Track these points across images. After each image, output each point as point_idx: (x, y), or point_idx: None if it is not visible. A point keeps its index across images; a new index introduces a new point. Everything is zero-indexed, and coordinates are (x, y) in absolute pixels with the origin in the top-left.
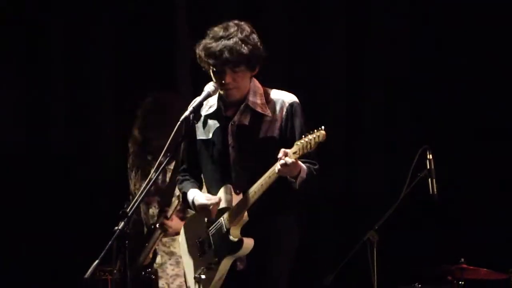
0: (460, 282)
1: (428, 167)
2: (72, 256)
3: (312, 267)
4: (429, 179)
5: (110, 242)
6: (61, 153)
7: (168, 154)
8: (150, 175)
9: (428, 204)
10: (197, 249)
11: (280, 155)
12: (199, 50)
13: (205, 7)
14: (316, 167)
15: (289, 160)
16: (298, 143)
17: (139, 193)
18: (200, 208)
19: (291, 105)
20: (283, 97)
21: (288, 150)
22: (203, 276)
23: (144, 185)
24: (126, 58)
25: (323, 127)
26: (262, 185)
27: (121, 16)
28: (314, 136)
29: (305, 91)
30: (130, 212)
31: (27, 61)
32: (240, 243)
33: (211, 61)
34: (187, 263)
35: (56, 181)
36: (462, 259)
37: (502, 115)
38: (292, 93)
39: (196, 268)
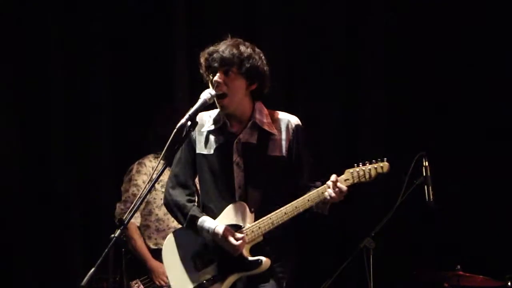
0: None
1: (424, 174)
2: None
3: (308, 275)
4: (426, 186)
5: (106, 250)
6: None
7: (164, 163)
8: (146, 184)
9: (424, 211)
10: (192, 262)
11: (332, 179)
12: (200, 56)
13: (204, 14)
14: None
15: (342, 187)
16: (351, 170)
17: (135, 201)
18: (225, 245)
19: (297, 127)
20: (288, 118)
21: (338, 178)
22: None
23: (140, 193)
24: (123, 66)
25: (386, 158)
26: (296, 207)
27: (117, 25)
28: (376, 166)
29: (302, 97)
30: (127, 220)
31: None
32: (258, 262)
33: (204, 58)
34: (176, 275)
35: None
36: (458, 266)
37: (502, 118)
38: (290, 99)
39: (191, 282)
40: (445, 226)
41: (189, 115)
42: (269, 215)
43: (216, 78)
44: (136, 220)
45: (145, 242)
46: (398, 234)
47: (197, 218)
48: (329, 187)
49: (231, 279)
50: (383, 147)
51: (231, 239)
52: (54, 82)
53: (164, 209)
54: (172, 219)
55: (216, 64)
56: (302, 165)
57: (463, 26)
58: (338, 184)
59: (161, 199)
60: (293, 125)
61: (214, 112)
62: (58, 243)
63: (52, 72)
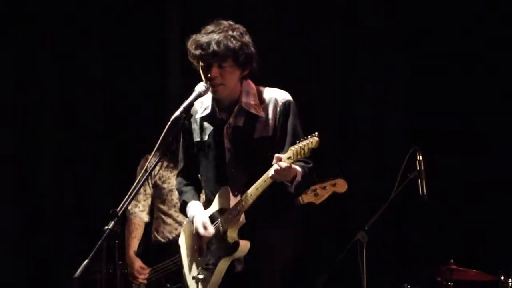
0: (449, 283)
1: (418, 168)
2: (62, 256)
3: (302, 268)
4: (419, 180)
5: (100, 242)
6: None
7: (158, 154)
8: (140, 175)
9: (418, 205)
10: (196, 250)
11: (274, 160)
12: (189, 44)
13: (199, 8)
14: (310, 165)
15: (283, 164)
16: (292, 148)
17: (128, 194)
18: (195, 231)
19: (284, 104)
20: (276, 96)
21: (282, 156)
22: (200, 276)
23: (134, 185)
24: (115, 55)
25: (316, 133)
26: (257, 188)
27: (110, 15)
28: (308, 142)
29: (297, 92)
30: (120, 212)
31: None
32: (236, 245)
33: (197, 53)
34: (186, 263)
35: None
36: (452, 260)
37: (495, 115)
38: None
39: (194, 269)
40: (439, 220)
41: (184, 107)
42: (240, 198)
43: (212, 73)
44: (142, 215)
45: (154, 236)
46: (391, 228)
47: (187, 203)
48: (272, 166)
49: (221, 264)
50: (376, 141)
51: (200, 229)
52: (45, 71)
53: (168, 203)
54: (178, 214)
55: (210, 58)
56: (285, 139)
57: (459, 21)
58: (279, 163)
59: (164, 194)
60: (280, 102)
61: (205, 98)
62: (50, 235)
63: (43, 62)
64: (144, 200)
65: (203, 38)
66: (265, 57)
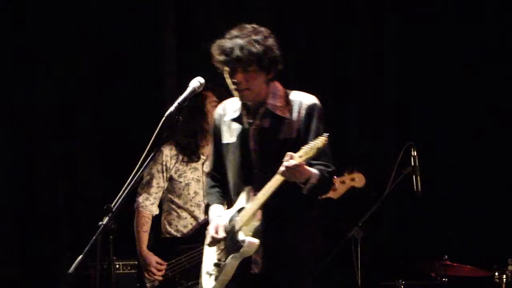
0: (444, 279)
1: (413, 163)
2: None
3: None
4: (414, 176)
5: (94, 237)
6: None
7: (153, 150)
8: (135, 170)
9: (412, 200)
10: (216, 245)
11: (285, 158)
12: (213, 49)
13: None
14: (330, 169)
15: (292, 162)
16: (304, 147)
17: (124, 188)
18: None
19: (310, 107)
20: (302, 99)
21: (294, 154)
22: (212, 272)
23: (128, 180)
24: (115, 55)
25: (326, 134)
26: (270, 186)
27: (109, 15)
28: (316, 141)
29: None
30: (115, 208)
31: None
32: (242, 242)
33: (222, 58)
34: (206, 258)
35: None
36: (446, 256)
37: (488, 111)
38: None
39: (209, 264)
40: (433, 216)
41: (178, 103)
42: (256, 197)
43: (237, 78)
44: (153, 208)
45: (165, 227)
46: (386, 223)
47: (209, 205)
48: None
49: (230, 262)
50: (376, 141)
51: (211, 232)
52: (45, 71)
53: (184, 198)
54: (194, 208)
55: (233, 64)
56: (307, 142)
57: (459, 21)
58: (290, 160)
59: (180, 188)
60: (305, 105)
61: (235, 100)
62: (45, 231)
63: (43, 62)
64: (156, 193)
65: (226, 43)
66: None
